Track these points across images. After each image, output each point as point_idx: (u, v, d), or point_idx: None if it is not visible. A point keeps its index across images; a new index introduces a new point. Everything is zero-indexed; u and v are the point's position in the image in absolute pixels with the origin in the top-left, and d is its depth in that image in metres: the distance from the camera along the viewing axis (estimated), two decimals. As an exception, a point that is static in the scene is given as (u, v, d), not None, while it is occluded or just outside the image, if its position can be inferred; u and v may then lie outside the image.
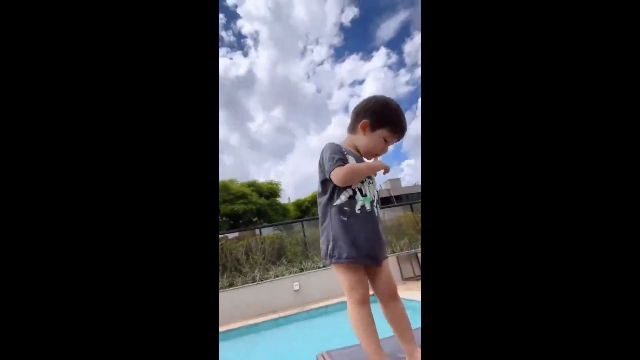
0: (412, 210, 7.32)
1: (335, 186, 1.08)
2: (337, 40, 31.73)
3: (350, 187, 1.07)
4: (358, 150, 1.17)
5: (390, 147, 1.19)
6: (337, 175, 1.04)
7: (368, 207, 1.08)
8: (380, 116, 1.13)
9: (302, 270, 5.65)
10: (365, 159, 1.18)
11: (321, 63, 33.05)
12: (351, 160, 1.10)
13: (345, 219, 1.06)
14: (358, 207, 1.07)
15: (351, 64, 35.11)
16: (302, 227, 6.61)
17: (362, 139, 1.15)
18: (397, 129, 1.13)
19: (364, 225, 1.06)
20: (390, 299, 1.09)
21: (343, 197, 1.07)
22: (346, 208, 1.07)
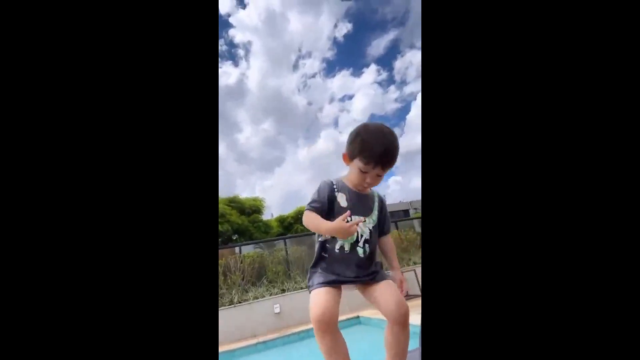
0: (397, 228, 7.20)
1: None
2: (330, 54, 32.39)
3: None
4: None
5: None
6: (303, 219, 1.09)
7: (347, 248, 1.10)
8: (352, 146, 1.08)
9: (283, 291, 5.36)
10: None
11: (313, 76, 33.46)
12: (340, 197, 1.11)
13: (326, 255, 1.12)
14: (337, 246, 1.10)
15: (342, 79, 35.76)
16: (285, 244, 6.34)
17: (349, 171, 1.15)
18: (367, 157, 1.03)
19: (338, 267, 1.09)
20: (391, 321, 1.04)
21: (327, 235, 1.11)
22: (328, 245, 1.12)
